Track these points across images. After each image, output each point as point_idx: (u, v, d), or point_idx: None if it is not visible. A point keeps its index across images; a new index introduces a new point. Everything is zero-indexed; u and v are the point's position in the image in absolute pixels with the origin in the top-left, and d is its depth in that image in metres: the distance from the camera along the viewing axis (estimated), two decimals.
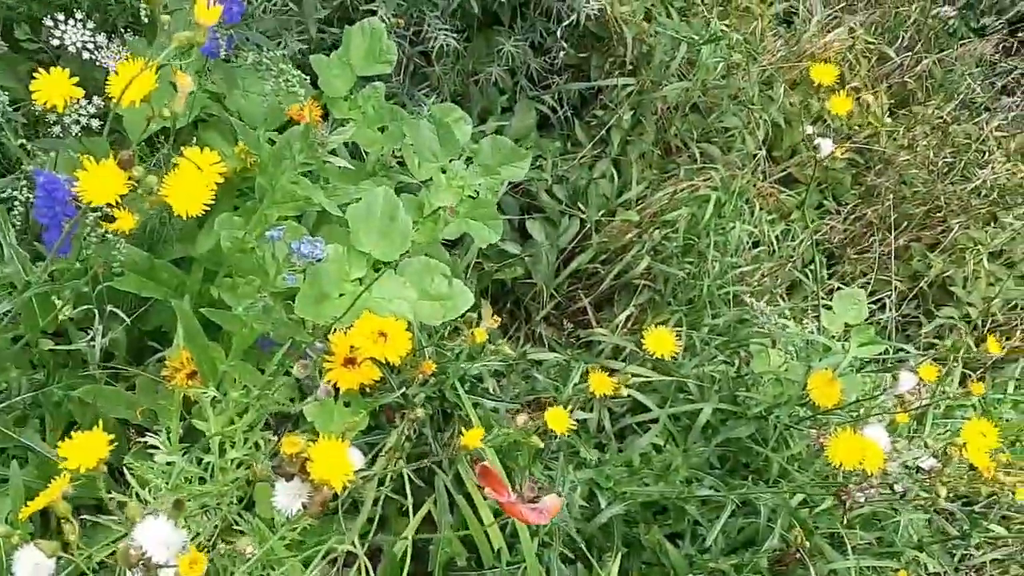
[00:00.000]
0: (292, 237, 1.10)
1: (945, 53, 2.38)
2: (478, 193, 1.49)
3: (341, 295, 1.16)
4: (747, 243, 2.00)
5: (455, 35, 1.80)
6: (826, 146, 1.53)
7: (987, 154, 2.22)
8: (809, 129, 1.64)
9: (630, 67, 2.10)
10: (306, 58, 1.48)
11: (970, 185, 2.18)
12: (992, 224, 2.22)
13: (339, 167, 1.27)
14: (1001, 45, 2.49)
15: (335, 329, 1.06)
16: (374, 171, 1.47)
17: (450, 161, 1.49)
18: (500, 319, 1.39)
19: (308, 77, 1.43)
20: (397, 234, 1.20)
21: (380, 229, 1.20)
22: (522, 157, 1.53)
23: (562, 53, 2.03)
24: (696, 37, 2.07)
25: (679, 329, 1.79)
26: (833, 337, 1.65)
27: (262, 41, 1.30)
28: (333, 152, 1.40)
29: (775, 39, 2.29)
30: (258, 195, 1.24)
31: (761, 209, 2.10)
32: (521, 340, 1.95)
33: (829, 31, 2.30)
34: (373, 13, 1.60)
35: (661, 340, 1.30)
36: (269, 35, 1.54)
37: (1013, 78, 2.46)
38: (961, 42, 2.44)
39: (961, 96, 2.35)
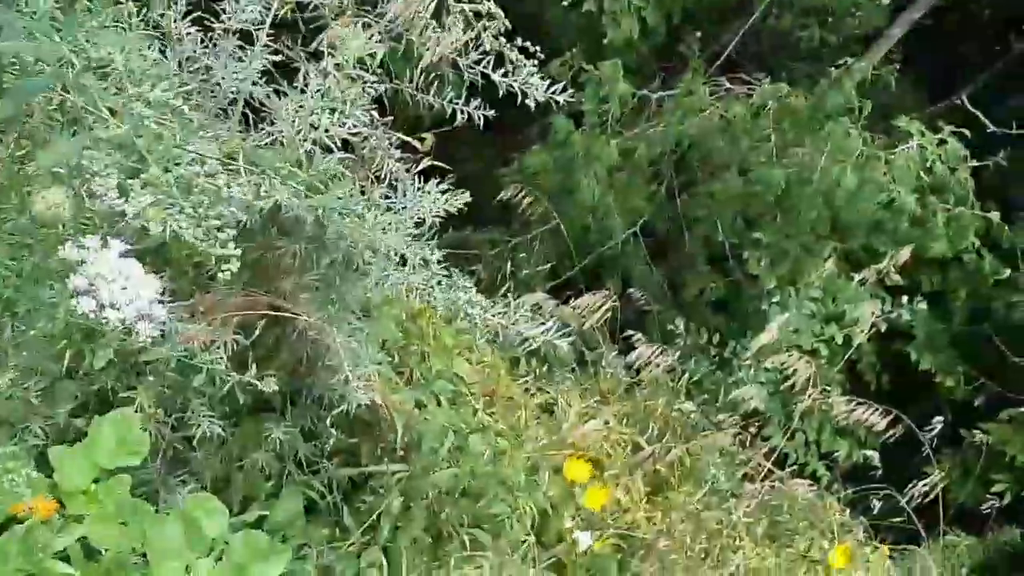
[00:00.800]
0: None
1: (691, 444, 2.61)
2: None
3: None
4: None
5: (221, 421, 1.77)
6: (584, 539, 1.57)
7: (737, 539, 2.36)
8: (568, 523, 1.69)
9: (400, 453, 2.13)
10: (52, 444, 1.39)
11: (726, 571, 2.28)
12: None
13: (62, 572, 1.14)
14: (738, 437, 2.78)
15: None
16: (109, 572, 1.34)
17: (197, 559, 1.39)
18: None
19: (46, 469, 1.33)
20: None
21: None
22: (279, 552, 1.45)
23: (332, 439, 2.04)
24: (464, 425, 2.16)
25: None
26: None
27: None
28: (62, 553, 1.28)
29: (538, 427, 2.43)
30: None
31: None
32: None
33: (587, 421, 2.48)
34: (132, 401, 1.56)
35: None
36: (12, 421, 1.46)
37: (752, 467, 2.72)
38: (703, 433, 2.69)
39: (709, 483, 2.54)
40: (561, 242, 3.88)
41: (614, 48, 3.87)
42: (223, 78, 1.60)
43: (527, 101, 1.63)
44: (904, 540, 3.01)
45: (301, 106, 1.64)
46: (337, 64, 1.64)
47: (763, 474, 2.69)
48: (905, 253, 3.41)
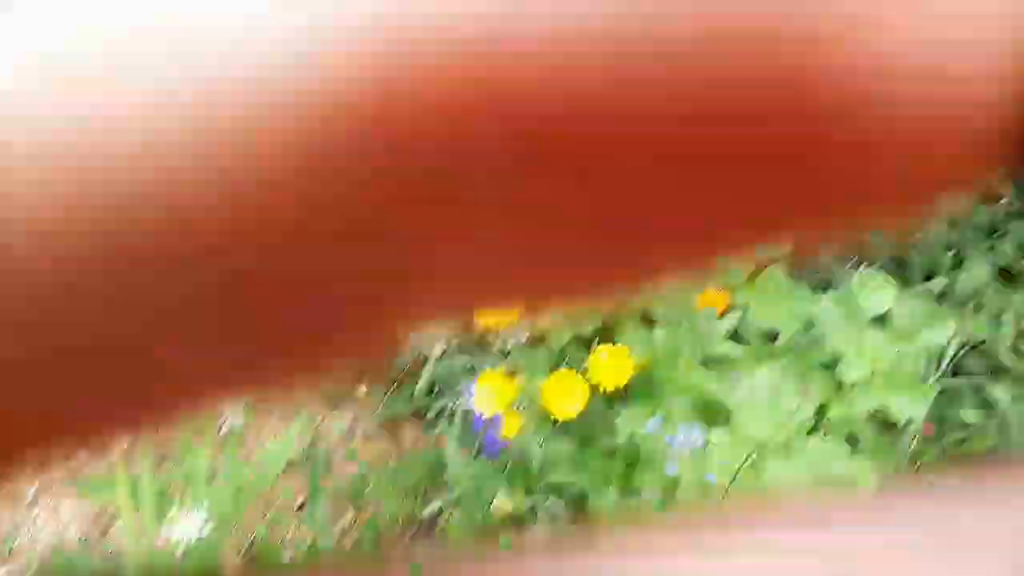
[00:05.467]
0: (679, 426, 1.17)
1: None
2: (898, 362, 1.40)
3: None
4: None
5: None
6: None
7: None
8: None
9: None
10: None
11: None
12: None
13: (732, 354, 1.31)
14: None
15: None
16: (786, 351, 1.48)
17: (861, 331, 1.43)
18: None
19: None
20: (782, 416, 1.19)
21: (766, 412, 1.21)
22: (940, 318, 1.41)
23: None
24: None
25: None
26: None
27: None
28: (735, 335, 1.46)
29: None
30: (656, 388, 1.33)
31: None
32: None
33: None
34: None
35: None
36: None
37: None
38: None
39: None
40: None
41: None
42: None
43: None
44: None
45: None
46: None
47: None
48: None
